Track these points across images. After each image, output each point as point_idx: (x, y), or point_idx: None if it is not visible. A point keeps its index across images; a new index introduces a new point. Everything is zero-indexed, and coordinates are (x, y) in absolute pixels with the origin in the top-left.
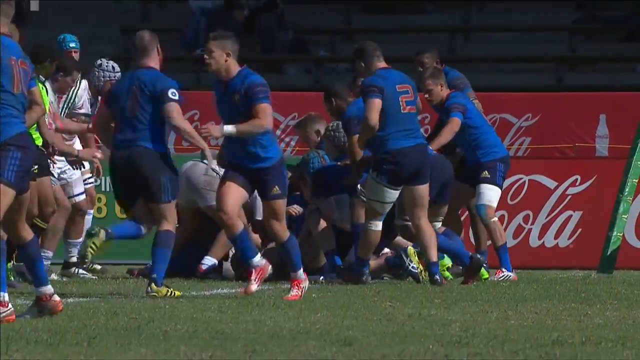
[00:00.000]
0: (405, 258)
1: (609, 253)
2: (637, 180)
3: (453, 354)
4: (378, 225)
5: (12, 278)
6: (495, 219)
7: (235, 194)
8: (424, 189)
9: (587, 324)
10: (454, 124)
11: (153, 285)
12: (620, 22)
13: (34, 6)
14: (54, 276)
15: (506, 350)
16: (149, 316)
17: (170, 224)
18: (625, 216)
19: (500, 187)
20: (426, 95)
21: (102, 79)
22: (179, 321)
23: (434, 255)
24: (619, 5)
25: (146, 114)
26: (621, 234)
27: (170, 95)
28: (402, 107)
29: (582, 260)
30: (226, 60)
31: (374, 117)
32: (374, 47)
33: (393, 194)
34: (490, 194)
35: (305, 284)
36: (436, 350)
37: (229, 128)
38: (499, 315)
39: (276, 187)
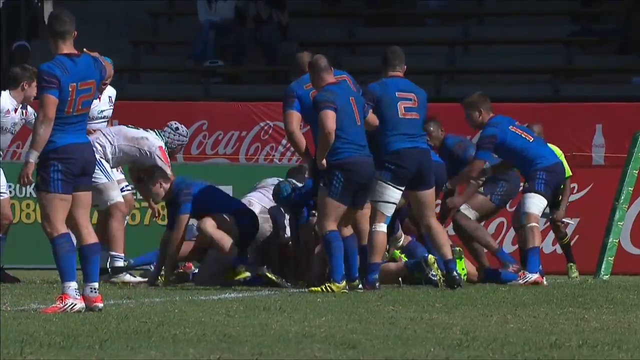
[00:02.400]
0: (425, 267)
1: (605, 259)
2: (632, 189)
3: (454, 357)
4: (383, 227)
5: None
6: (533, 224)
7: None
8: (429, 193)
9: (584, 327)
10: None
11: None
12: (615, 35)
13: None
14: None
15: (505, 353)
16: (158, 320)
17: None
18: (621, 223)
19: (543, 194)
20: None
21: (177, 142)
22: (188, 325)
23: (448, 252)
24: (614, 19)
25: None
26: (617, 241)
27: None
28: (399, 112)
29: (579, 266)
30: None
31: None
32: (395, 53)
33: (396, 194)
34: (529, 201)
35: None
36: (437, 353)
37: None
38: (498, 319)
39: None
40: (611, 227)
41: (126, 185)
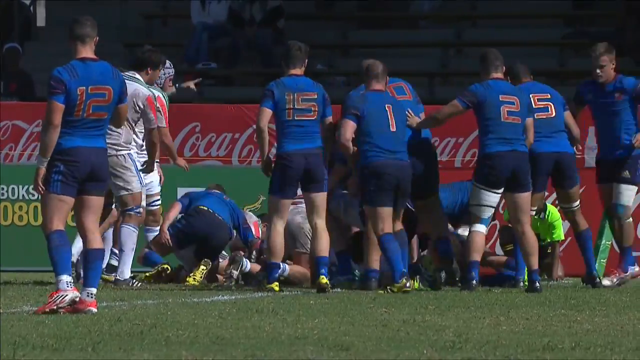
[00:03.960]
0: (422, 267)
1: (597, 261)
2: None
3: (446, 359)
4: (480, 227)
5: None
6: (631, 219)
7: None
8: (525, 197)
9: (576, 329)
10: None
11: None
12: (608, 38)
13: (40, 21)
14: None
15: (498, 355)
16: (151, 322)
17: None
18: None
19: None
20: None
21: (163, 77)
22: (181, 327)
23: (534, 263)
24: (607, 21)
25: None
26: (609, 243)
27: None
28: (502, 116)
29: (572, 268)
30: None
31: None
32: (495, 54)
33: (491, 197)
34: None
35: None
36: (430, 355)
37: None
38: (491, 321)
39: None
40: (604, 229)
41: (156, 200)
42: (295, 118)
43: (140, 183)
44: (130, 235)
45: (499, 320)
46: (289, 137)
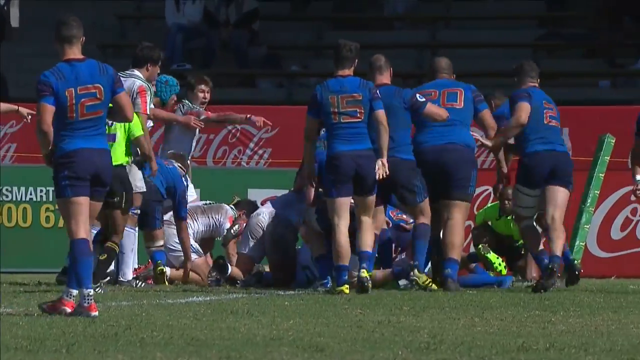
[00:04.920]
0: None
1: (577, 242)
2: (598, 192)
3: None
4: (529, 221)
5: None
6: None
7: None
8: (558, 190)
9: (551, 330)
10: None
11: None
12: (581, 39)
13: (14, 22)
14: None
15: (473, 356)
16: (125, 323)
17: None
18: (588, 226)
19: None
20: None
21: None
22: (155, 328)
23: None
24: (581, 23)
25: None
26: (583, 244)
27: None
28: (545, 119)
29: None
30: None
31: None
32: (531, 65)
33: (529, 200)
34: None
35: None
36: (405, 356)
37: None
38: (465, 322)
39: None
40: (577, 230)
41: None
42: (342, 121)
43: (142, 184)
44: (128, 236)
45: (474, 321)
46: (337, 138)
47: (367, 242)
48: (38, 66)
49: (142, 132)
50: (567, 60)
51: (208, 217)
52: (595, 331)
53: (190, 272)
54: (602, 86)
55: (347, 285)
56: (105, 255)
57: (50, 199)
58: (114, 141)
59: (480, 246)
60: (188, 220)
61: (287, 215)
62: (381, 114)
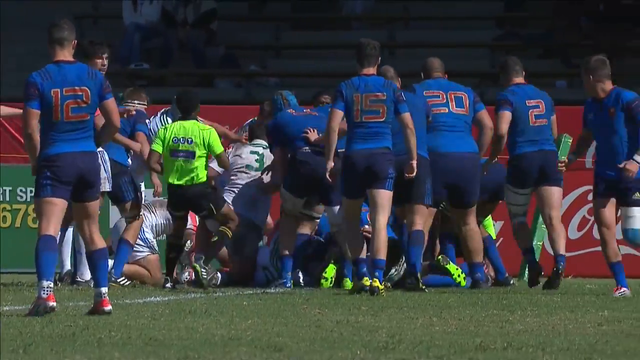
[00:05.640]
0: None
1: (535, 242)
2: None
3: None
4: (520, 219)
5: None
6: None
7: None
8: (552, 190)
9: (508, 330)
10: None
11: None
12: (539, 39)
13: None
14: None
15: (431, 355)
16: (83, 324)
17: None
18: (545, 226)
19: None
20: None
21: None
22: (113, 328)
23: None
24: (537, 23)
25: None
26: (541, 243)
27: None
28: (530, 120)
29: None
30: None
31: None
32: (514, 60)
33: (519, 198)
34: None
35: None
36: (364, 356)
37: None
38: (424, 322)
39: None
40: (535, 229)
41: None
42: (363, 120)
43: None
44: None
45: (432, 321)
46: (355, 137)
47: (380, 249)
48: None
49: (222, 149)
50: (524, 61)
51: (167, 210)
52: (553, 330)
53: (140, 267)
54: (559, 86)
55: (366, 278)
56: (217, 237)
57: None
58: (193, 159)
59: (440, 257)
60: (146, 213)
61: (250, 216)
62: (407, 117)
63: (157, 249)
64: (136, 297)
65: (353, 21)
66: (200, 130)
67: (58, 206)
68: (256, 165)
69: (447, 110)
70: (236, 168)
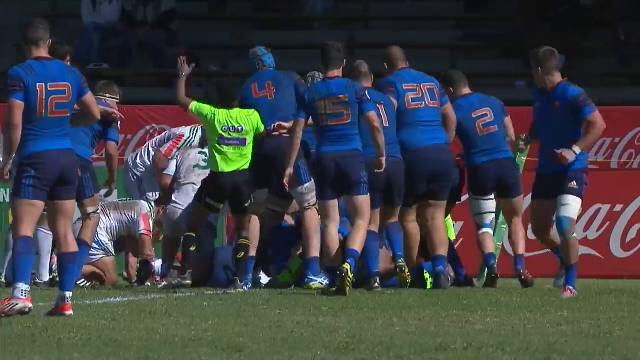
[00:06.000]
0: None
1: (494, 243)
2: None
3: None
4: (485, 229)
5: None
6: (576, 235)
7: None
8: (511, 201)
9: (468, 330)
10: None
11: None
12: (499, 40)
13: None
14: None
15: (392, 355)
16: (42, 325)
17: None
18: (505, 226)
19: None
20: None
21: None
22: (73, 329)
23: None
24: (498, 24)
25: None
26: (500, 243)
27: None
28: (478, 130)
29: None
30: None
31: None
32: (459, 74)
33: (482, 205)
34: (578, 207)
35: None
36: (324, 357)
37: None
38: (384, 322)
39: None
40: (494, 230)
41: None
42: (328, 123)
43: None
44: (46, 237)
45: (392, 321)
46: (323, 140)
47: (357, 242)
48: None
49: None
50: (484, 61)
51: (121, 213)
52: (512, 330)
53: (95, 269)
54: (518, 86)
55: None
56: (242, 253)
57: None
58: (245, 145)
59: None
60: (100, 216)
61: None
62: (371, 115)
63: (112, 251)
64: (96, 298)
65: (313, 21)
66: (246, 117)
67: (38, 208)
68: (204, 164)
69: (422, 105)
70: (185, 169)
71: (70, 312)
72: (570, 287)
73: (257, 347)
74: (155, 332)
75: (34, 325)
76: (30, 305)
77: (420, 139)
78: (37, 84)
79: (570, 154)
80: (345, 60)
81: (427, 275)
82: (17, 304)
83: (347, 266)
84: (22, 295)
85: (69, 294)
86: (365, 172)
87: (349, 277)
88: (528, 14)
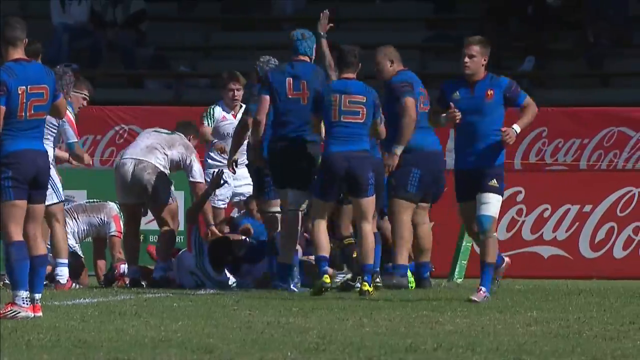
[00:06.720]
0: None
1: (458, 262)
2: None
3: None
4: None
5: None
6: (496, 234)
7: None
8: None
9: (438, 330)
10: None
11: None
12: None
13: None
14: None
15: (362, 356)
16: (11, 325)
17: None
18: (470, 244)
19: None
20: None
21: (65, 86)
22: (42, 330)
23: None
24: (467, 25)
25: None
26: (470, 244)
27: None
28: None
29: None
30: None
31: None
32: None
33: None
34: (498, 206)
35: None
36: (294, 357)
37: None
38: (354, 323)
39: None
40: (460, 247)
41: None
42: (342, 119)
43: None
44: None
45: (362, 322)
46: (333, 138)
47: (369, 254)
48: None
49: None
50: (454, 63)
51: (89, 216)
52: (482, 331)
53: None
54: None
55: (327, 275)
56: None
57: None
58: None
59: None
60: (67, 220)
61: None
62: (382, 129)
63: (80, 254)
64: (65, 299)
65: (283, 22)
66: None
67: (22, 208)
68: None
69: (428, 108)
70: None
71: (40, 313)
72: (483, 289)
73: (227, 348)
74: (125, 333)
75: (3, 326)
76: (32, 314)
77: (429, 142)
78: (19, 88)
79: (513, 132)
80: (360, 65)
81: (410, 276)
82: (19, 312)
83: (367, 287)
84: (24, 303)
85: (38, 295)
86: (373, 172)
87: (372, 294)
88: (498, 15)
